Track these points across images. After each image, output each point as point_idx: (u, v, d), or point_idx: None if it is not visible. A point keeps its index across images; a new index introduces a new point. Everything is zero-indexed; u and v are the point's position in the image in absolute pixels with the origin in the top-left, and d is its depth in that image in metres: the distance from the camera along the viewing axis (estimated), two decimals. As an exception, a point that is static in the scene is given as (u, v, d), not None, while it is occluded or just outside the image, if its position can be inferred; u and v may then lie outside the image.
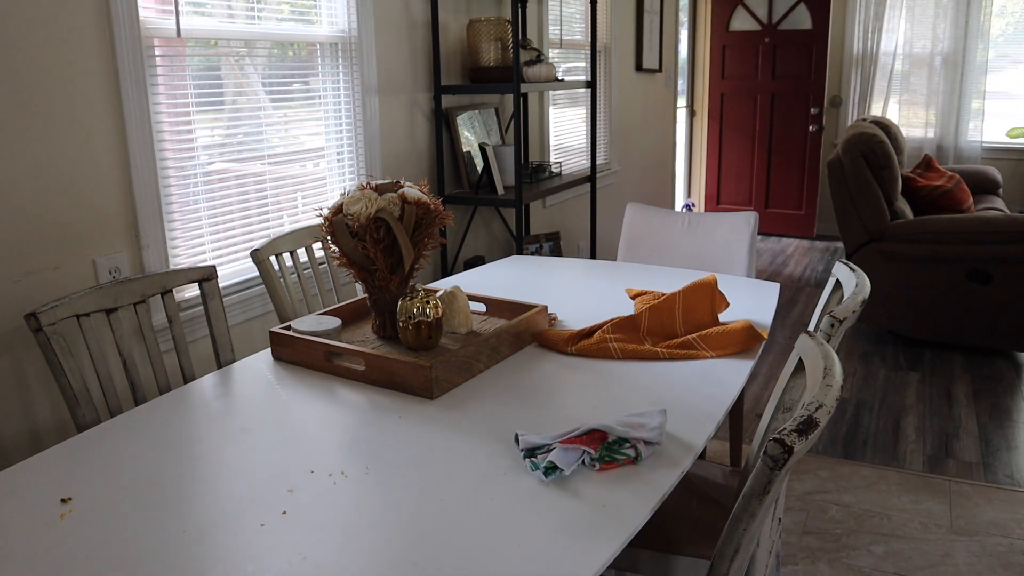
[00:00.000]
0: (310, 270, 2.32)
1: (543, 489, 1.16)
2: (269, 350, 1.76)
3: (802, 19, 6.31)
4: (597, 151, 4.43)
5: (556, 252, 3.99)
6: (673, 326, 1.82)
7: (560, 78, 3.80)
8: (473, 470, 1.22)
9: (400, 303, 1.65)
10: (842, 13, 6.36)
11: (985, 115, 6.23)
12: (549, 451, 1.22)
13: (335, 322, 1.76)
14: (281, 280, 2.10)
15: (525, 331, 1.77)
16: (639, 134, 5.49)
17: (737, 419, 2.43)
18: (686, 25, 6.58)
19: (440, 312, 1.65)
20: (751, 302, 2.09)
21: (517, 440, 1.27)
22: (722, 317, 1.92)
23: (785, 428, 0.97)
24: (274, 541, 1.05)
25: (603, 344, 1.74)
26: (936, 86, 6.28)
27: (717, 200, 6.91)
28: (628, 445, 1.24)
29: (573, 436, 1.25)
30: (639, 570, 1.52)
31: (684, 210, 5.92)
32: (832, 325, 1.40)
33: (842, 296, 1.61)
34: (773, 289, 2.22)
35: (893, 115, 6.44)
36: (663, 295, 1.99)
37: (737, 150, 6.75)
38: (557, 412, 1.43)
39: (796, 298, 4.98)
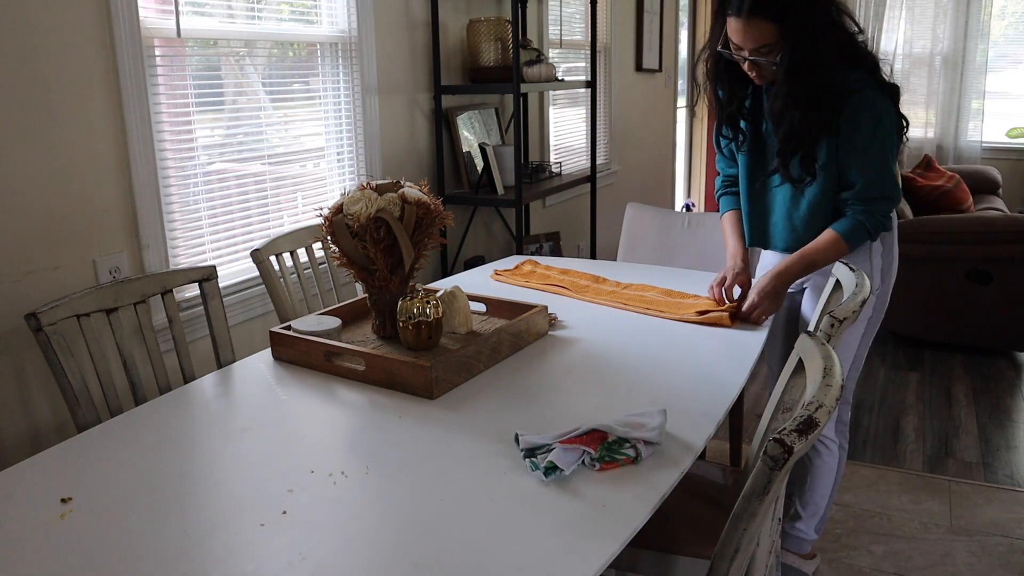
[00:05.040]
0: (310, 270, 2.32)
1: (543, 489, 1.16)
2: (269, 350, 1.76)
3: (802, 19, 6.29)
4: (597, 151, 4.43)
5: (556, 252, 3.99)
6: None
7: (560, 78, 3.80)
8: (473, 470, 1.22)
9: (400, 303, 1.65)
10: (842, 13, 6.35)
11: (985, 115, 6.23)
12: (549, 451, 1.22)
13: (335, 322, 1.75)
14: (281, 280, 2.11)
15: (525, 331, 1.77)
16: (639, 134, 5.49)
17: (737, 419, 2.43)
18: (686, 25, 6.58)
19: (440, 312, 1.65)
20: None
21: (517, 440, 1.27)
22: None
23: (785, 428, 0.97)
24: (274, 541, 1.05)
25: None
26: (936, 86, 6.28)
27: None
28: (628, 445, 1.24)
29: (573, 436, 1.25)
30: (639, 570, 1.52)
31: (684, 210, 5.91)
32: (832, 325, 1.40)
33: (842, 296, 1.61)
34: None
35: (893, 115, 6.43)
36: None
37: (737, 150, 6.74)
38: (557, 412, 1.43)
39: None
